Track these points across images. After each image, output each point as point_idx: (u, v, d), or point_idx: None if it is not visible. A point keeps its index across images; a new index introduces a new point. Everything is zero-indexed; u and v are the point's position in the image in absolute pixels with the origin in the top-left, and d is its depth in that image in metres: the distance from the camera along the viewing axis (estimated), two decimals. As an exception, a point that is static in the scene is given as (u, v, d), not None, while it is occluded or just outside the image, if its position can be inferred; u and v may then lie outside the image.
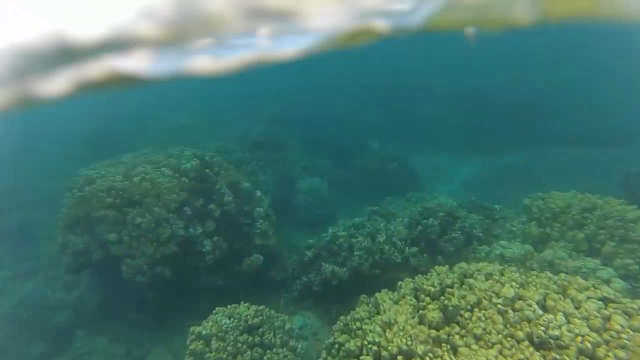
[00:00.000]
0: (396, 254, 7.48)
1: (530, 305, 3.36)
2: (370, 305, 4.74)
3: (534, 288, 3.59)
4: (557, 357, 2.95)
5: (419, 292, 4.35)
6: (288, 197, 12.60)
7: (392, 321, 3.88)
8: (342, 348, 4.12)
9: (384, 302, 4.39)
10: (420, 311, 3.90)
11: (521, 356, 3.03)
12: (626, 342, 2.96)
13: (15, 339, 8.39)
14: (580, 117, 17.79)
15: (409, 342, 3.49)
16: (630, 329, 3.05)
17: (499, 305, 3.47)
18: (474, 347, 3.24)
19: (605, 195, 7.18)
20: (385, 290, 4.81)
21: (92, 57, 0.77)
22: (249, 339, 5.16)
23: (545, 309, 3.39)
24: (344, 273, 7.20)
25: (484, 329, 3.32)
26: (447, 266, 5.43)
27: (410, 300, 4.13)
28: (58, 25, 0.73)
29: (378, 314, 4.38)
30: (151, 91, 18.89)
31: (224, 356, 4.94)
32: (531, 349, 3.08)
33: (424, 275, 5.12)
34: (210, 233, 7.58)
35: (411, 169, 15.03)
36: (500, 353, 3.11)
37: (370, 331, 3.95)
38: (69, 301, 8.65)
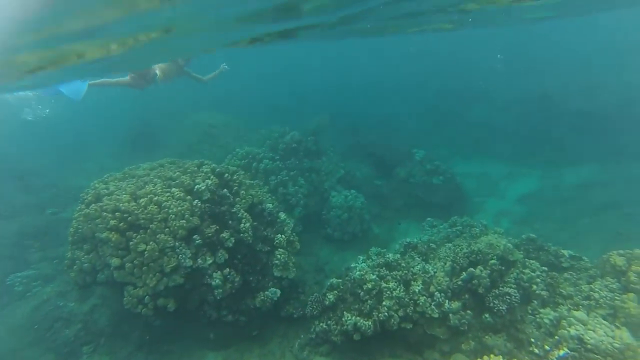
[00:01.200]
0: (433, 307, 6.20)
1: None
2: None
3: None
4: None
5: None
6: (320, 211, 11.56)
7: None
8: None
9: None
10: None
11: None
12: None
13: (29, 348, 8.16)
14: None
15: None
16: None
17: None
18: None
19: None
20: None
21: None
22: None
23: None
24: (369, 327, 6.05)
25: None
26: (499, 360, 4.13)
27: None
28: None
29: None
30: (192, 90, 18.55)
31: None
32: None
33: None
34: (221, 265, 6.71)
35: (457, 185, 13.38)
36: None
37: None
38: (79, 315, 8.26)
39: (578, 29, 35.66)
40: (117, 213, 6.28)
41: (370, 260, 8.31)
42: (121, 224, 6.22)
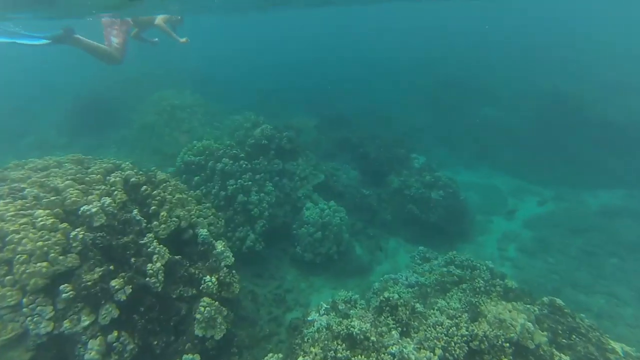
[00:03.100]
0: None
1: None
2: None
3: None
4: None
5: None
6: (291, 223, 9.26)
7: None
8: None
9: None
10: None
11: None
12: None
13: None
14: None
15: None
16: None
17: None
18: None
19: None
20: None
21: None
22: None
23: None
24: None
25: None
26: None
27: None
28: None
29: None
30: (161, 61, 15.94)
31: None
32: None
33: None
34: (106, 326, 4.43)
35: (460, 202, 10.93)
36: None
37: None
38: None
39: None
40: None
41: (335, 312, 6.06)
42: None
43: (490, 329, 4.65)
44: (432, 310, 5.52)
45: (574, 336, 4.93)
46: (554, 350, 4.65)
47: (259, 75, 22.81)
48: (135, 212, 5.19)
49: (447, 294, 6.33)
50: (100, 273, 4.48)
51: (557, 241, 10.50)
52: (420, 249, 8.39)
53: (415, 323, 5.20)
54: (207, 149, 8.86)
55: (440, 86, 20.66)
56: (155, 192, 5.56)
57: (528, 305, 5.44)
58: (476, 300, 5.65)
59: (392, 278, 7.32)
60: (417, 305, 5.47)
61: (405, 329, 5.09)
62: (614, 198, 11.95)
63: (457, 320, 4.97)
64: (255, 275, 8.36)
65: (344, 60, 28.50)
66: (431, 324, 5.07)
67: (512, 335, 4.65)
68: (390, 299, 5.51)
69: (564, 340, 4.88)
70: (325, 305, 6.23)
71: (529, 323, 4.80)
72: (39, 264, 4.08)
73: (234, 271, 5.82)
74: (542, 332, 4.89)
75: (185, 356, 4.93)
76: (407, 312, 5.25)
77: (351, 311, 6.06)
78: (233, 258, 5.92)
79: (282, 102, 16.60)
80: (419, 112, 18.89)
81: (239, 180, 8.49)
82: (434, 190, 10.56)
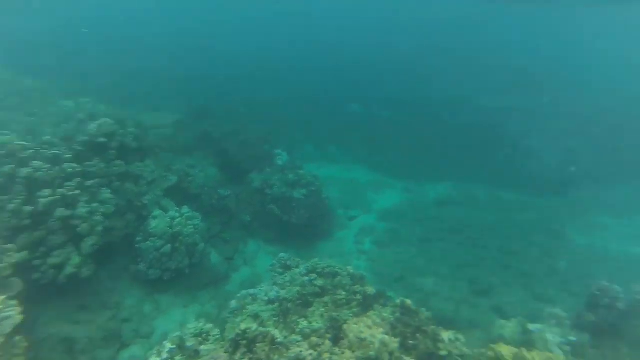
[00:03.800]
0: None
1: None
2: None
3: None
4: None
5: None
6: (134, 236, 7.55)
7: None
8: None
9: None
10: None
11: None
12: None
13: None
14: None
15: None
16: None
17: None
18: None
19: None
20: None
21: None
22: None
23: None
24: None
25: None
26: None
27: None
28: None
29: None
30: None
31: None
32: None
33: None
34: None
35: (322, 201, 10.78)
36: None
37: None
38: None
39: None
40: None
41: (181, 354, 4.98)
42: None
43: (351, 354, 4.32)
44: (293, 335, 4.96)
45: (417, 335, 5.00)
46: (404, 356, 4.61)
47: (121, 50, 19.02)
48: None
49: (309, 309, 5.89)
50: None
51: (404, 231, 11.31)
52: (281, 256, 7.77)
53: (276, 357, 4.53)
54: (3, 148, 6.39)
55: (309, 84, 20.77)
56: None
57: (384, 314, 5.36)
58: (338, 314, 5.34)
59: (251, 294, 6.54)
60: (277, 333, 4.82)
61: (263, 369, 4.38)
62: (443, 189, 13.71)
63: (320, 350, 4.51)
64: (79, 308, 6.49)
65: (217, 49, 26.22)
66: (293, 357, 4.48)
67: (371, 353, 4.43)
68: (247, 331, 4.71)
69: (410, 342, 4.90)
70: (169, 345, 5.07)
71: (386, 336, 4.67)
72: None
73: None
74: (395, 338, 4.82)
75: None
76: (267, 348, 4.53)
77: (202, 347, 5.08)
78: None
79: (141, 88, 13.94)
80: (290, 106, 18.52)
81: (60, 190, 6.39)
82: (297, 189, 10.16)
